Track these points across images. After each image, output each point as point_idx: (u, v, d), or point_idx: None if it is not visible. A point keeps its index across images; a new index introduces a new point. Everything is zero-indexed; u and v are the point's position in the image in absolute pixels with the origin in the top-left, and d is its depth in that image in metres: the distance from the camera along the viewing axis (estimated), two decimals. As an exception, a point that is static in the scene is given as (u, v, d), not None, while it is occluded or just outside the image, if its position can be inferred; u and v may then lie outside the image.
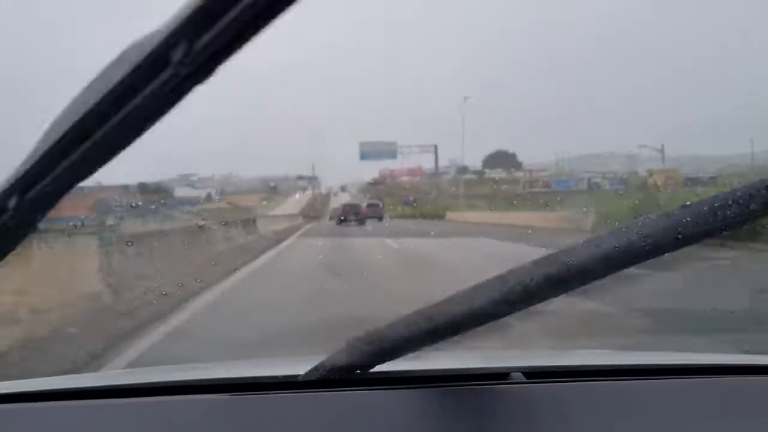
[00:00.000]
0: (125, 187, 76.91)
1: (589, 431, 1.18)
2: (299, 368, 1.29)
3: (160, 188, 75.09)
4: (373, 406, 1.22)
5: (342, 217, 30.95)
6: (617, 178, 78.19)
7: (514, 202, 45.87)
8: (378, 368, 1.28)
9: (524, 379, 1.35)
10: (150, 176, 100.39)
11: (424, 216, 38.73)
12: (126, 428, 1.18)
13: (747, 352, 1.91)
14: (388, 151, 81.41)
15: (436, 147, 78.98)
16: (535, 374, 1.37)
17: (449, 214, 35.28)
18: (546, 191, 73.58)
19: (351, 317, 4.62)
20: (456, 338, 1.15)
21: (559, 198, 56.07)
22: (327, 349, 1.23)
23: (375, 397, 1.25)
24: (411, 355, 1.27)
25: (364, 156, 77.71)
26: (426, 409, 1.21)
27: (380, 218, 36.68)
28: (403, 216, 47.30)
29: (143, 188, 76.27)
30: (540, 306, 1.08)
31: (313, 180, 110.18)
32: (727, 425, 1.20)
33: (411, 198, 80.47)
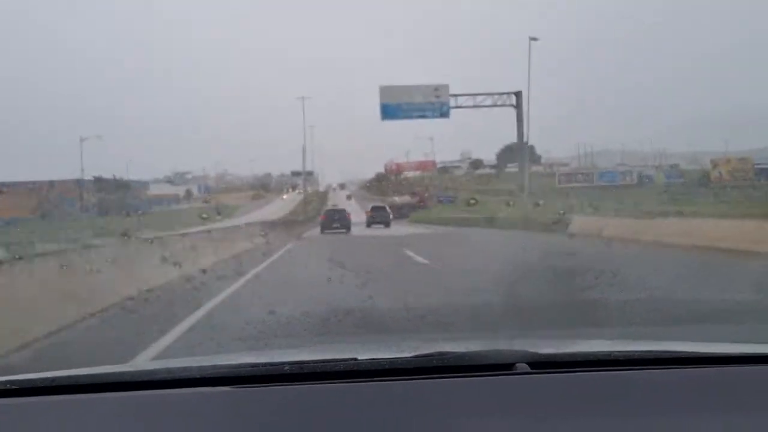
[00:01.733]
0: (78, 182, 65.24)
1: (595, 420, 1.18)
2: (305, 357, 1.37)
3: (121, 184, 63.26)
4: (379, 397, 1.22)
5: (326, 225, 28.17)
6: (674, 170, 66.56)
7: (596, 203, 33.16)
8: (383, 358, 1.37)
9: (529, 369, 1.35)
10: (143, 174, 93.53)
11: (499, 224, 23.72)
12: (141, 420, 1.19)
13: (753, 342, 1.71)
14: (435, 102, 39.58)
15: (518, 95, 40.76)
16: (540, 364, 1.37)
17: (577, 222, 19.52)
18: (588, 186, 61.60)
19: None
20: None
21: (622, 193, 44.43)
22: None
23: (380, 387, 1.25)
24: (414, 344, 1.40)
25: (388, 113, 39.50)
26: (431, 400, 1.21)
27: (387, 224, 33.56)
28: (456, 221, 33.93)
29: (100, 184, 64.79)
30: (545, 297, 1.38)
31: (308, 176, 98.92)
32: (733, 414, 1.19)
33: (449, 194, 68.42)
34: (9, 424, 1.19)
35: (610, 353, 1.52)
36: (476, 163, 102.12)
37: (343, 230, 27.75)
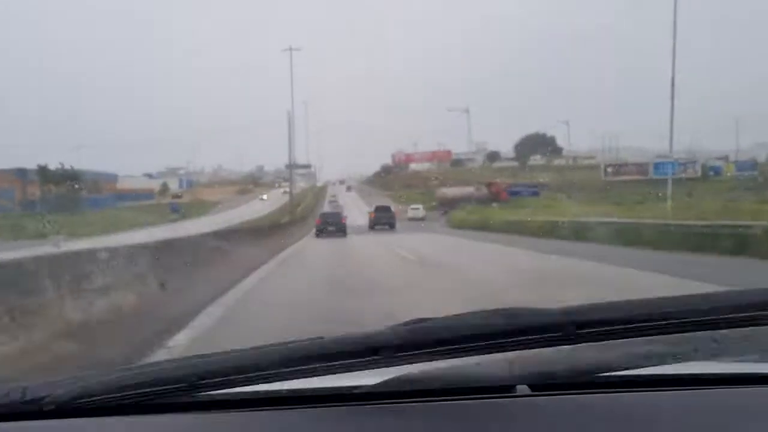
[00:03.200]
0: (21, 172, 54.16)
1: None
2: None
3: (69, 175, 52.08)
4: (375, 420, 1.21)
5: (321, 229, 28.25)
6: (748, 161, 55.45)
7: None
8: (378, 382, 1.31)
9: (530, 392, 1.32)
10: (137, 170, 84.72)
11: None
12: None
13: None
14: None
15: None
16: (542, 386, 1.34)
17: None
18: (643, 180, 50.79)
19: None
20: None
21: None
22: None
23: (376, 410, 1.23)
24: (409, 367, 1.35)
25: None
26: (428, 425, 1.19)
27: (392, 226, 31.75)
28: (582, 233, 19.05)
29: (45, 175, 53.81)
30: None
31: (305, 169, 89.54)
32: None
33: (532, 185, 56.51)
34: None
35: (613, 374, 1.45)
36: (493, 155, 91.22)
37: (339, 234, 27.39)
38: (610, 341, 1.31)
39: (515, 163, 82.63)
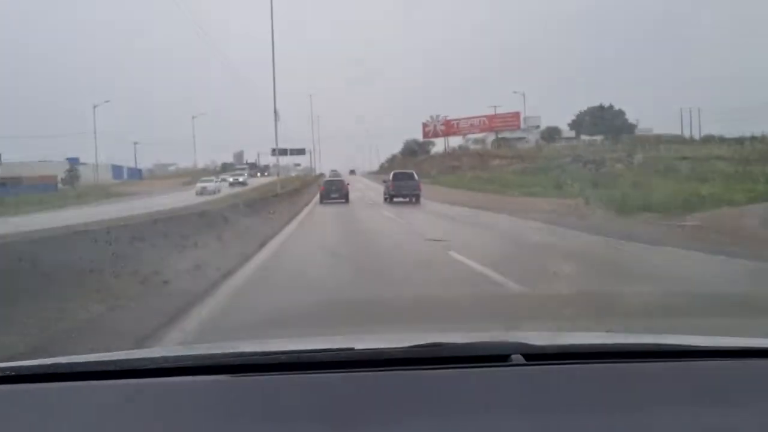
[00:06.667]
0: None
1: (590, 413, 1.19)
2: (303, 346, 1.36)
3: None
4: (374, 387, 1.24)
5: (325, 195, 29.39)
6: None
7: None
8: (379, 348, 1.40)
9: (524, 361, 1.36)
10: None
11: None
12: (137, 407, 1.23)
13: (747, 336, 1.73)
14: None
15: None
16: (536, 356, 1.39)
17: None
18: None
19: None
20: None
21: None
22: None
23: (376, 378, 1.26)
24: (410, 335, 1.43)
25: None
26: (426, 391, 1.23)
27: (416, 197, 27.52)
28: None
29: None
30: (541, 289, 2.61)
31: (299, 153, 69.84)
32: (726, 407, 1.21)
33: None
34: (7, 410, 1.21)
35: (604, 345, 1.54)
36: (550, 133, 66.48)
37: (342, 200, 28.23)
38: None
39: (577, 140, 58.34)
